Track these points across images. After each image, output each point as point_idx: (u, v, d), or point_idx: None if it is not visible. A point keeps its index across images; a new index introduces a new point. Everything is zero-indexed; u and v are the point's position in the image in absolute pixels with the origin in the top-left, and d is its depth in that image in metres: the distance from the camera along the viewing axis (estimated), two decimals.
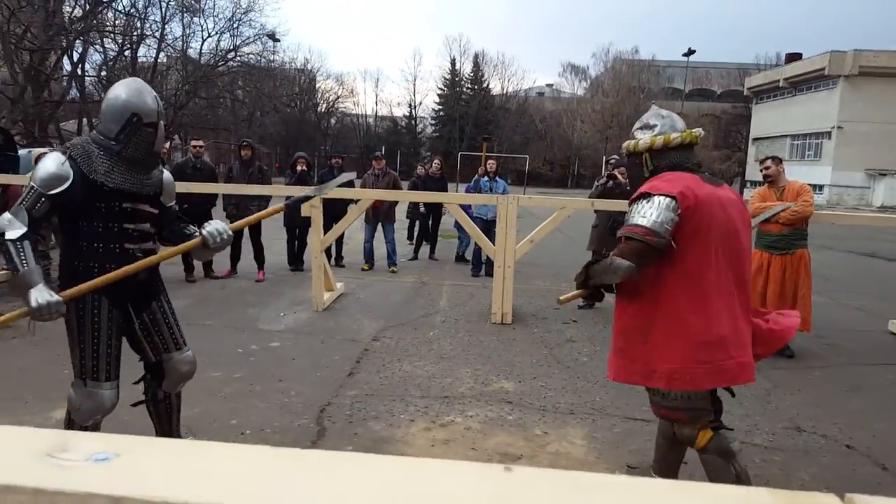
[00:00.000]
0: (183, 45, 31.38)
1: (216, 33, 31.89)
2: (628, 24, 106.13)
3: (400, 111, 63.25)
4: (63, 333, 2.89)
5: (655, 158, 2.77)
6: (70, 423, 2.92)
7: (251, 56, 32.84)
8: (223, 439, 3.51)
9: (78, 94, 28.71)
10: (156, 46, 29.20)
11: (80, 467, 0.51)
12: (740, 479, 2.74)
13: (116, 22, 27.97)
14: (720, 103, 59.28)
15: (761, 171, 5.93)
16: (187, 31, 31.74)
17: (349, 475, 0.51)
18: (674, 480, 0.45)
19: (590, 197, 7.39)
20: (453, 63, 60.56)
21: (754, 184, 40.29)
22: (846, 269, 11.86)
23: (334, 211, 7.95)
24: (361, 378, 4.68)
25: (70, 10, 25.79)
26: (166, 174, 3.07)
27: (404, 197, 9.80)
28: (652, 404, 2.88)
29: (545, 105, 61.88)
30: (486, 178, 9.54)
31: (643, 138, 2.79)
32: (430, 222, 10.83)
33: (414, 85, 64.44)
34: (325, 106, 58.10)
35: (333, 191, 7.17)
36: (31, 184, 2.66)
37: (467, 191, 10.04)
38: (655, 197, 2.56)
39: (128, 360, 3.07)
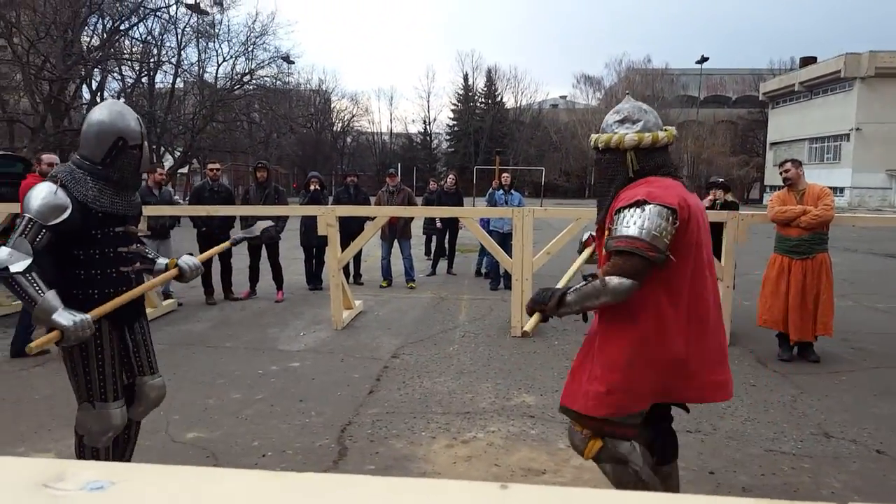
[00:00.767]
0: (199, 71, 31.84)
1: (231, 57, 32.36)
2: (641, 33, 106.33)
3: (415, 128, 63.75)
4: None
5: (641, 159, 2.48)
6: (81, 448, 2.90)
7: (266, 79, 33.20)
8: (245, 461, 3.52)
9: None
10: (173, 72, 29.64)
11: (75, 497, 0.50)
12: (641, 478, 2.52)
13: (133, 49, 28.47)
14: (736, 109, 58.89)
15: (781, 174, 5.86)
16: (203, 56, 32.21)
17: (341, 498, 0.50)
18: (670, 494, 0.44)
19: None
20: (466, 78, 61.01)
21: (773, 188, 39.93)
22: (869, 271, 11.66)
23: (350, 229, 7.98)
24: (382, 396, 4.66)
25: (88, 39, 26.32)
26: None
27: (420, 213, 9.82)
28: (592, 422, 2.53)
29: (560, 117, 61.89)
30: (500, 192, 9.54)
31: (629, 134, 2.49)
32: (447, 237, 10.83)
33: (428, 101, 65.26)
34: (340, 125, 58.66)
35: (347, 209, 7.29)
36: (27, 216, 2.60)
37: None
38: (652, 206, 2.30)
39: None
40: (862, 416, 4.30)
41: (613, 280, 2.27)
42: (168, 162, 28.78)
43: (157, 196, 7.62)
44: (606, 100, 59.22)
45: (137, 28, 27.46)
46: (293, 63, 38.84)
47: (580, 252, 3.17)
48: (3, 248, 2.57)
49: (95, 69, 26.52)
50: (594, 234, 2.99)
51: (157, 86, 30.44)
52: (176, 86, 30.16)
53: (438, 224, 10.77)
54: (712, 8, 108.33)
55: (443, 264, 10.84)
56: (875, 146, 38.98)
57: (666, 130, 2.53)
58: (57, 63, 22.88)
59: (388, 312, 7.64)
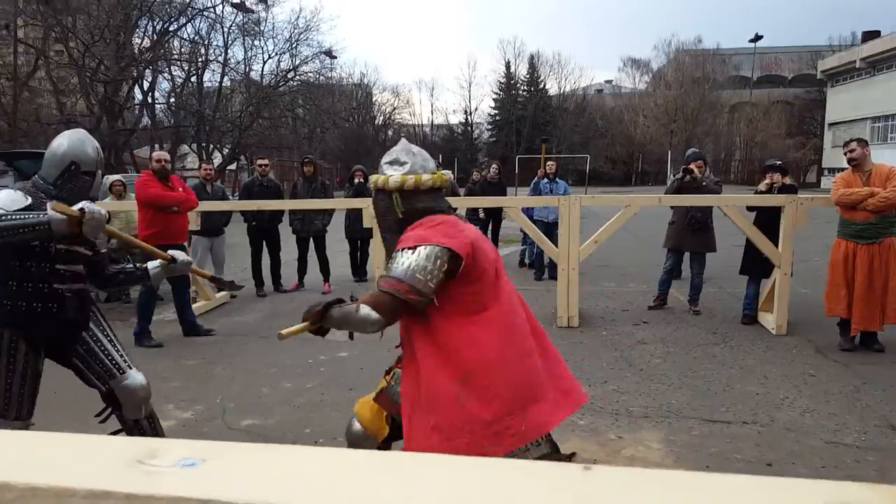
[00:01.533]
0: (245, 69, 32.43)
1: (276, 54, 32.83)
2: (690, 13, 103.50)
3: (456, 118, 63.49)
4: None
5: (406, 201, 2.44)
6: None
7: (310, 74, 33.59)
8: None
9: (149, 122, 30.03)
10: (220, 71, 30.26)
11: (169, 472, 0.52)
12: None
13: (182, 50, 29.15)
14: (792, 89, 56.77)
15: (845, 154, 5.53)
16: (249, 54, 32.80)
17: (430, 476, 0.50)
18: (762, 477, 0.43)
19: (666, 193, 7.22)
20: (508, 66, 60.48)
21: (832, 170, 38.50)
22: None
23: None
24: None
25: (139, 41, 27.06)
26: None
27: (463, 203, 9.80)
28: None
29: (605, 102, 60.90)
30: (545, 180, 9.46)
31: (394, 176, 2.44)
32: (490, 228, 10.78)
33: (469, 91, 64.58)
34: (381, 118, 58.99)
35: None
36: None
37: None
38: (423, 248, 2.24)
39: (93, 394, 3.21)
40: None
41: (363, 310, 2.23)
42: (217, 159, 29.37)
43: (209, 193, 7.79)
44: (654, 83, 57.98)
45: (185, 28, 28.09)
46: (335, 58, 39.24)
47: None
48: None
49: (147, 70, 27.26)
50: None
51: (205, 84, 31.09)
52: (223, 84, 30.75)
53: (481, 214, 10.74)
54: None
55: None
56: None
57: (434, 174, 2.49)
58: (111, 65, 23.60)
59: None
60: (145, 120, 30.42)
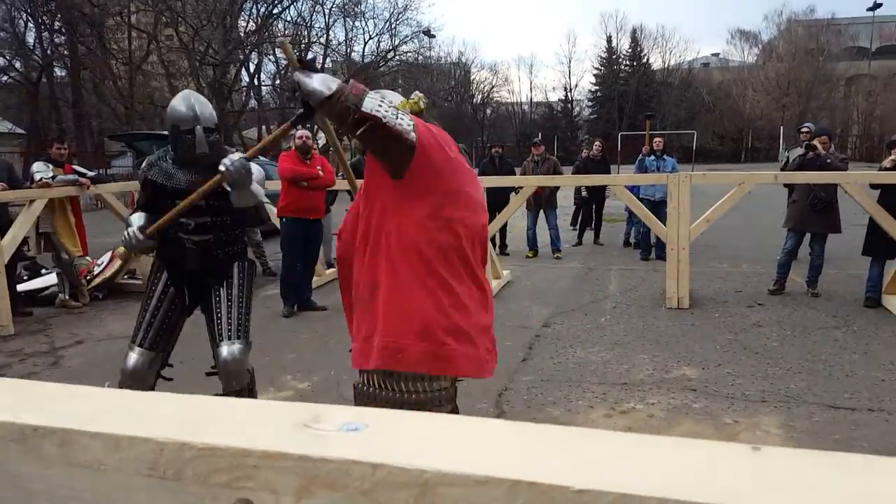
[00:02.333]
0: (346, 49, 33.19)
1: (376, 35, 33.40)
2: None
3: (555, 95, 62.20)
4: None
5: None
6: None
7: (409, 54, 34.00)
8: None
9: (256, 104, 31.34)
10: (322, 52, 31.11)
11: (336, 436, 0.54)
12: None
13: (286, 32, 30.17)
14: None
15: None
16: (350, 34, 33.55)
17: (598, 450, 0.49)
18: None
19: (786, 170, 6.83)
20: (609, 41, 58.57)
21: None
22: None
23: (496, 199, 7.99)
24: (535, 364, 4.68)
25: (244, 24, 28.23)
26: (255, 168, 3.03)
27: (567, 182, 9.64)
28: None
29: (712, 76, 57.89)
30: (651, 157, 9.13)
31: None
32: (594, 206, 10.55)
33: (569, 67, 63.65)
34: (480, 97, 58.73)
35: (494, 180, 7.26)
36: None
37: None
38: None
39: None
40: None
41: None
42: (321, 140, 30.31)
43: None
44: (764, 55, 54.64)
45: (289, 11, 29.01)
46: (434, 37, 39.46)
47: None
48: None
49: (252, 53, 28.42)
50: None
51: None
52: (326, 65, 31.60)
53: (584, 193, 10.52)
54: None
55: (589, 234, 10.60)
56: None
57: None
58: (218, 49, 24.78)
59: (536, 282, 7.62)
60: (252, 102, 31.78)
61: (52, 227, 6.57)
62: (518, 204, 7.21)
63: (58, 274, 6.93)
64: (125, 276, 7.68)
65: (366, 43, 33.81)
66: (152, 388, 3.09)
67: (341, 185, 8.43)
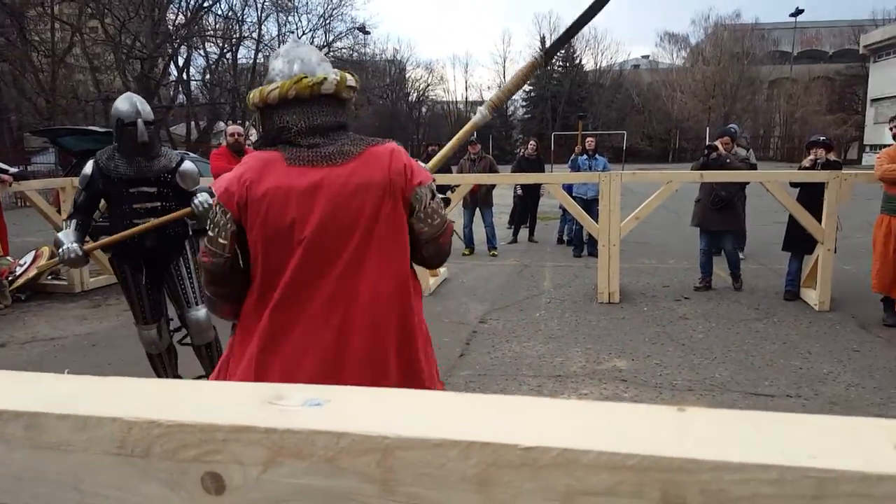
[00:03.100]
0: (279, 45, 32.57)
1: (310, 30, 32.94)
2: None
3: (490, 95, 62.96)
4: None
5: (265, 121, 1.86)
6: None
7: (343, 50, 33.73)
8: None
9: (185, 99, 30.43)
10: (254, 47, 30.48)
11: (300, 411, 0.57)
12: None
13: (216, 26, 29.43)
14: (833, 64, 55.00)
15: (890, 129, 5.56)
16: (283, 30, 32.96)
17: (543, 415, 0.55)
18: (842, 417, 0.45)
19: (692, 170, 7.14)
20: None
21: (874, 147, 37.32)
22: None
23: None
24: (473, 359, 4.76)
25: (174, 17, 27.36)
26: (186, 164, 3.75)
27: (504, 180, 9.78)
28: None
29: (642, 78, 59.69)
30: (584, 157, 9.38)
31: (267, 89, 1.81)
32: (529, 205, 10.74)
33: (504, 67, 63.84)
34: (415, 95, 58.77)
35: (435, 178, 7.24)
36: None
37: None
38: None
39: None
40: None
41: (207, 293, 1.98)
42: (253, 136, 29.67)
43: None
44: (692, 58, 56.73)
45: (220, 4, 28.31)
46: (369, 34, 39.24)
47: None
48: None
49: (182, 46, 27.58)
50: None
51: (239, 61, 31.36)
52: (258, 61, 30.97)
53: (518, 191, 10.70)
54: None
55: (524, 232, 10.80)
56: None
57: (293, 79, 1.77)
58: (146, 42, 23.94)
59: (473, 279, 7.72)
60: (181, 97, 30.84)
61: None
62: (455, 202, 7.28)
63: None
64: (49, 277, 7.38)
65: (299, 38, 33.33)
66: (172, 347, 3.98)
67: None
